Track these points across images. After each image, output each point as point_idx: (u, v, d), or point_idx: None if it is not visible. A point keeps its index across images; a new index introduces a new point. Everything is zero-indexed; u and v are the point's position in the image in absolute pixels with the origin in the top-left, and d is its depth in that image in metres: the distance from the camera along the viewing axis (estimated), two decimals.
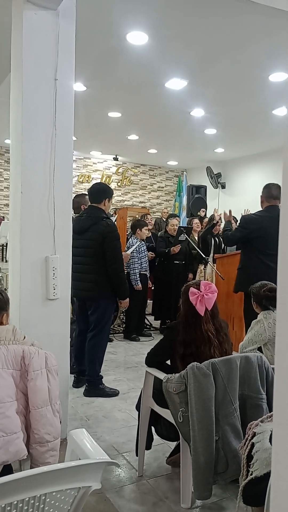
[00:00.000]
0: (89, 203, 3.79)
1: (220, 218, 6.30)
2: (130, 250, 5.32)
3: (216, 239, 6.14)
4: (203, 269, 5.78)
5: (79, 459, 1.30)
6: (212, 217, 6.30)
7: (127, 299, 3.73)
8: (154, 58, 4.87)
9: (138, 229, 5.47)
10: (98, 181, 11.46)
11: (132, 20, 4.01)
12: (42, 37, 2.64)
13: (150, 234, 6.39)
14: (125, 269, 5.36)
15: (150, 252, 5.82)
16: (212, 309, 2.29)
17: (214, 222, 6.10)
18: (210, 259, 5.70)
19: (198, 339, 2.24)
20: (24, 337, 1.98)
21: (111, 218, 4.76)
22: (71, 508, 1.17)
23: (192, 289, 2.28)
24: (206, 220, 7.18)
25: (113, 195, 3.96)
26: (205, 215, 8.68)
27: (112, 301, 3.68)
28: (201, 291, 2.26)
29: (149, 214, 7.07)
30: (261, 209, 3.83)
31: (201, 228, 6.70)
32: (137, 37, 4.35)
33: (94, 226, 3.55)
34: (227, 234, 4.05)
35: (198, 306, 2.24)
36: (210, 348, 2.23)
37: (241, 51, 4.63)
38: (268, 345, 2.73)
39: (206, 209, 9.58)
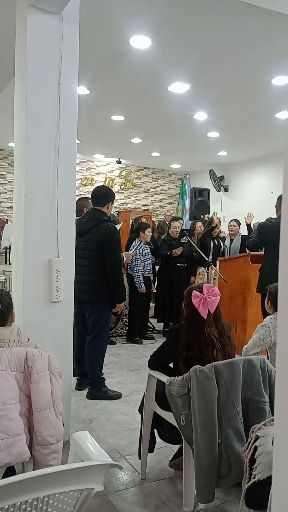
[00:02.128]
0: (91, 206, 3.80)
1: (219, 221, 6.31)
2: (132, 250, 5.32)
3: (215, 241, 6.10)
4: (206, 271, 5.77)
5: (82, 461, 1.30)
6: (211, 220, 6.28)
7: (122, 304, 3.72)
8: (157, 61, 4.89)
9: (141, 232, 5.48)
10: (102, 184, 11.48)
11: (135, 24, 4.03)
12: (46, 41, 2.66)
13: None
14: (128, 271, 5.38)
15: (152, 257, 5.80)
16: (215, 312, 2.29)
17: (213, 225, 6.09)
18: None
19: (201, 342, 2.24)
20: (28, 339, 1.99)
21: (117, 225, 4.76)
22: (74, 510, 1.17)
23: (195, 292, 2.28)
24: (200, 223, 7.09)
25: (116, 198, 3.99)
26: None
27: (109, 304, 3.65)
28: (204, 294, 2.26)
29: (142, 217, 6.96)
30: (275, 216, 4.49)
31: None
32: (140, 41, 4.37)
33: (95, 229, 3.55)
34: (249, 240, 4.63)
35: (201, 309, 2.24)
36: (213, 352, 2.23)
37: (243, 55, 4.64)
38: (273, 348, 2.73)
39: (209, 213, 9.57)
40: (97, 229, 3.54)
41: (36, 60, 2.64)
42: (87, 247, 3.51)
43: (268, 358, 2.67)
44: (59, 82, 2.70)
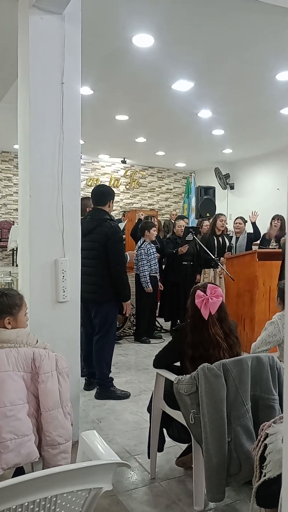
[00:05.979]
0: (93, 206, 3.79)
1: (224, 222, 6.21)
2: (136, 249, 5.31)
3: (220, 239, 6.03)
4: (213, 269, 5.74)
5: (90, 460, 1.29)
6: (215, 219, 6.20)
7: (129, 302, 3.71)
8: (160, 60, 4.87)
9: (146, 231, 5.46)
10: (107, 184, 11.48)
11: (137, 23, 4.02)
12: (48, 41, 2.66)
13: None
14: (135, 270, 5.38)
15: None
16: (219, 313, 2.26)
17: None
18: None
19: (206, 342, 2.22)
20: (37, 341, 1.98)
21: (120, 224, 4.75)
22: (82, 510, 1.16)
23: (198, 292, 2.26)
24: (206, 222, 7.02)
25: (121, 198, 3.97)
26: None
27: (115, 304, 3.64)
28: (206, 295, 2.24)
29: (153, 216, 6.90)
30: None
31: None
32: (143, 40, 4.35)
33: (98, 228, 3.54)
34: None
35: (202, 310, 2.22)
36: (219, 352, 2.20)
37: (247, 51, 4.61)
38: (282, 345, 2.70)
39: (215, 212, 9.52)
40: (100, 229, 3.53)
41: (38, 60, 2.64)
42: (91, 247, 3.50)
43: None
44: (62, 82, 2.69)
